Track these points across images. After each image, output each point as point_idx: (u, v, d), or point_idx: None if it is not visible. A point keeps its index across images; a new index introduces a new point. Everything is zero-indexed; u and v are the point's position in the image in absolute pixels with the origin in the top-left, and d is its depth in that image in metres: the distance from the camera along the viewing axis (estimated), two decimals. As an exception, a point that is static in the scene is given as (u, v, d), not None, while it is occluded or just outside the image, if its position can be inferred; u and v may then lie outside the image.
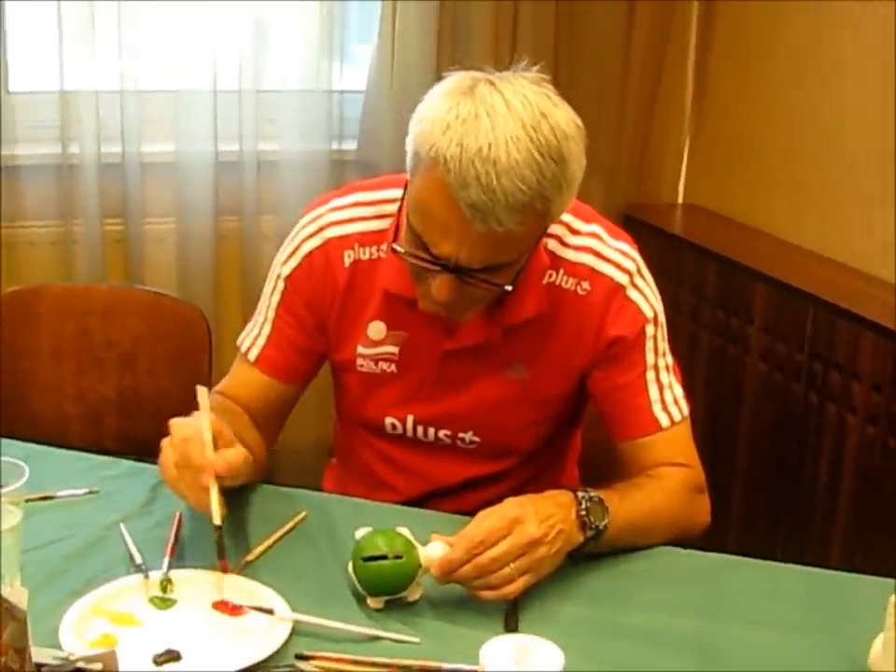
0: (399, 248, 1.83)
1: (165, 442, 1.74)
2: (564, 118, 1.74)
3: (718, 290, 3.55)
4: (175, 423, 1.75)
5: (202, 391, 1.80)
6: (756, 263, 3.42)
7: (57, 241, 3.71)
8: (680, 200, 4.28)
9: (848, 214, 3.44)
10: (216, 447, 1.72)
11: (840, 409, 3.07)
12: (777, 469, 3.31)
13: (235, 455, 1.74)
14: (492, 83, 1.74)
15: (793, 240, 3.64)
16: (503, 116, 1.69)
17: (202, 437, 1.71)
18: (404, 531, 1.70)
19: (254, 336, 2.08)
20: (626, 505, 1.83)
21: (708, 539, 1.97)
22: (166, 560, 1.75)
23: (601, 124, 3.96)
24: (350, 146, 3.91)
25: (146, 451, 2.16)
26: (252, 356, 2.07)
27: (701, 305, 3.59)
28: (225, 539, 1.83)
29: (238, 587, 1.70)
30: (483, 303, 1.90)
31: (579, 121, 1.77)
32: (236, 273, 3.87)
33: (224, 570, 1.70)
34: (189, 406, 2.56)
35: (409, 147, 1.79)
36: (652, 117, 4.18)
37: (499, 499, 1.73)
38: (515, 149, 1.67)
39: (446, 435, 2.06)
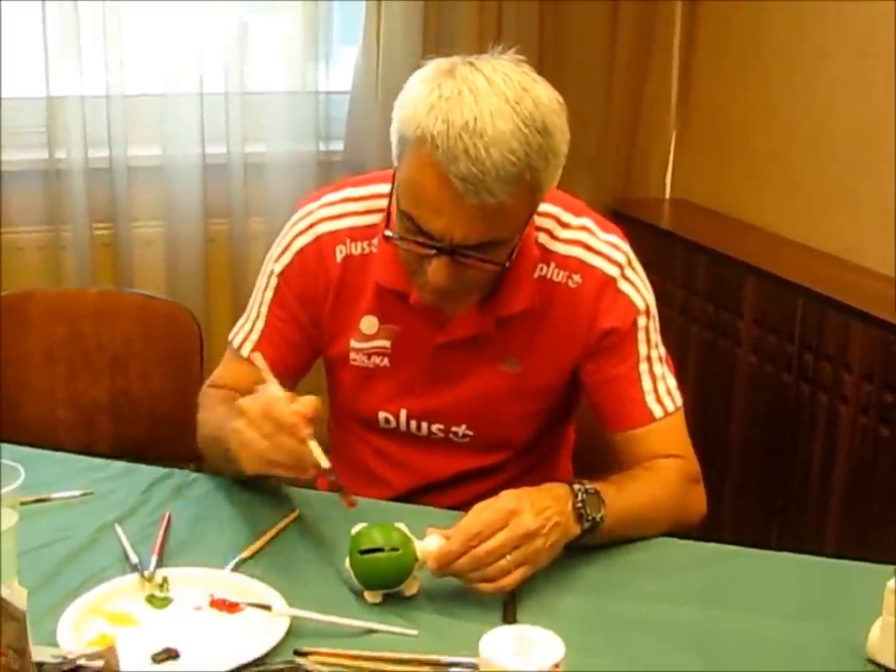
0: (391, 234, 1.83)
1: (240, 424, 1.72)
2: (545, 92, 1.76)
3: (708, 284, 3.55)
4: (244, 401, 1.73)
5: (257, 356, 1.83)
6: (746, 256, 3.43)
7: (45, 246, 3.71)
8: (668, 195, 4.28)
9: (836, 205, 3.45)
10: None
11: (832, 399, 3.07)
12: (769, 461, 3.32)
13: (310, 398, 1.73)
14: (471, 63, 1.75)
15: (782, 233, 3.65)
16: (485, 91, 1.70)
17: (279, 398, 1.71)
18: (401, 526, 1.69)
19: (246, 332, 2.08)
20: (622, 497, 1.83)
21: (702, 531, 1.97)
22: (153, 559, 1.75)
23: (587, 120, 3.96)
24: (337, 146, 3.91)
25: (139, 453, 2.17)
26: (245, 350, 2.07)
27: (691, 299, 3.60)
28: (217, 537, 1.86)
29: (234, 584, 1.70)
30: (479, 290, 1.90)
31: (559, 97, 1.78)
32: (225, 276, 3.87)
33: (350, 505, 1.71)
34: (181, 407, 2.58)
35: (394, 136, 1.80)
36: (639, 113, 4.19)
37: (493, 493, 1.73)
38: (501, 121, 1.69)
39: (439, 429, 2.06)
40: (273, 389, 1.74)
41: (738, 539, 1.92)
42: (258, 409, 1.70)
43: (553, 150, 1.75)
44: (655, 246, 3.54)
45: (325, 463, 1.71)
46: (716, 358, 3.50)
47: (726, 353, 3.46)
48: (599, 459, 2.23)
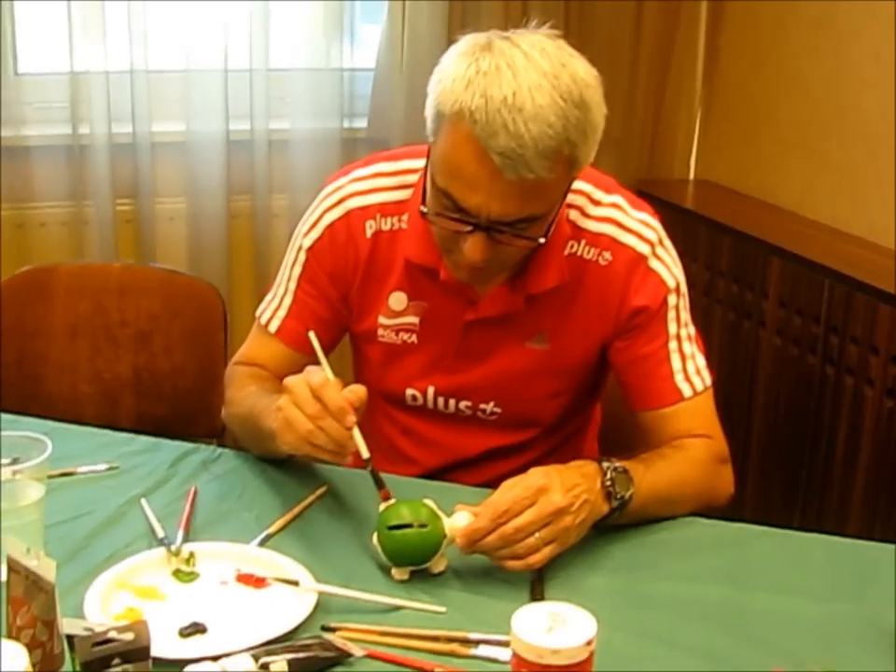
0: (426, 210, 1.82)
1: (285, 403, 1.70)
2: (582, 67, 1.74)
3: (732, 265, 3.53)
4: (292, 380, 1.71)
5: (312, 335, 1.81)
6: (771, 237, 3.41)
7: (68, 221, 3.70)
8: (692, 176, 4.26)
9: (865, 187, 3.42)
10: None
11: (857, 382, 3.05)
12: (793, 443, 3.30)
13: (358, 386, 1.72)
14: (508, 38, 1.74)
15: (809, 215, 3.63)
16: (523, 66, 1.68)
17: (331, 382, 1.69)
18: (429, 503, 1.69)
19: (274, 308, 2.07)
20: (651, 475, 1.82)
21: (723, 512, 1.95)
22: (180, 533, 1.75)
23: (612, 99, 3.89)
24: (361, 124, 3.90)
25: (162, 429, 2.16)
26: (273, 327, 2.06)
27: (715, 280, 3.58)
28: (244, 512, 1.85)
29: (261, 559, 1.69)
30: (512, 267, 1.90)
31: (596, 72, 1.76)
32: (248, 253, 3.86)
33: (385, 499, 1.70)
34: (205, 384, 2.58)
35: (429, 111, 1.78)
36: (664, 93, 4.16)
37: (519, 471, 1.71)
38: (539, 96, 1.67)
39: (467, 406, 2.05)
40: (324, 372, 1.73)
41: (760, 521, 1.91)
42: (307, 390, 1.68)
43: (590, 125, 1.73)
44: (679, 227, 3.48)
45: (365, 453, 1.71)
46: (739, 340, 3.48)
47: (750, 334, 3.45)
48: (625, 438, 2.23)
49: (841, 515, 3.10)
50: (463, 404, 2.05)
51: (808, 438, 3.23)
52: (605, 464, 1.76)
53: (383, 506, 1.70)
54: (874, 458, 3.02)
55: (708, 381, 2.00)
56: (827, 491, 3.18)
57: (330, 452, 1.69)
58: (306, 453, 1.72)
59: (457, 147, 1.72)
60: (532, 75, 1.68)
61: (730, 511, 1.97)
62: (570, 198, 1.93)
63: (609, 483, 1.74)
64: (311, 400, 1.66)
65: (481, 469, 2.08)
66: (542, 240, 1.81)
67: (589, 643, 1.28)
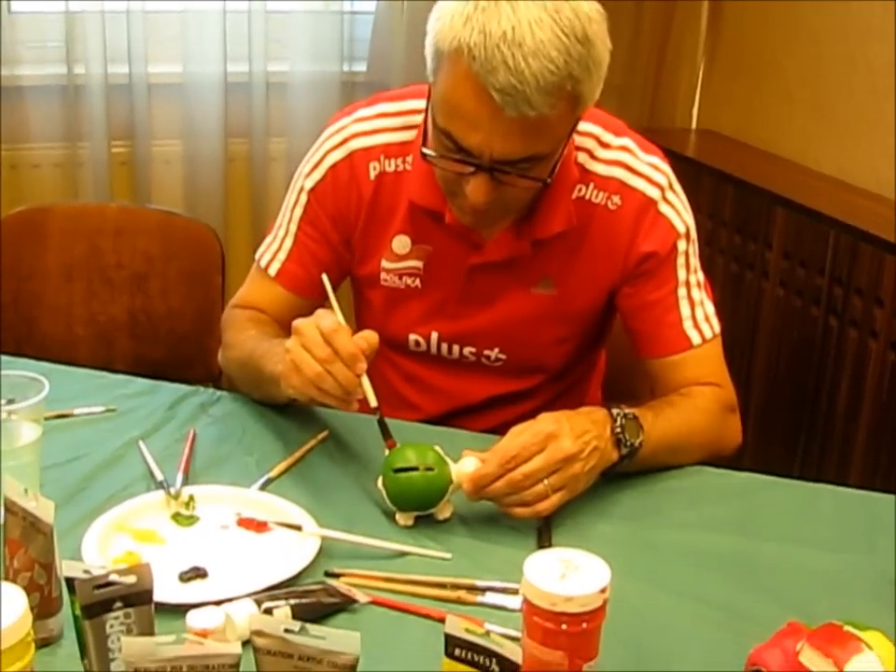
0: (428, 152, 1.78)
1: (294, 345, 1.65)
2: (584, 1, 1.68)
3: (735, 215, 3.49)
4: (302, 322, 1.66)
5: (325, 278, 1.77)
6: (775, 187, 3.37)
7: (62, 163, 3.66)
8: (694, 125, 4.22)
9: (871, 138, 3.38)
10: None
11: (861, 334, 3.03)
12: (794, 395, 3.28)
13: (370, 332, 1.68)
14: None
15: (813, 166, 3.59)
16: (523, 1, 1.63)
17: (343, 326, 1.65)
18: (436, 448, 1.66)
19: (274, 251, 2.03)
20: (660, 423, 1.79)
21: (723, 465, 1.92)
22: (179, 476, 1.72)
23: (614, 45, 3.82)
24: (360, 67, 3.85)
25: (158, 373, 2.13)
26: (273, 270, 2.02)
27: (718, 230, 3.54)
28: (244, 455, 1.83)
29: (262, 503, 1.67)
30: (517, 210, 1.86)
31: (599, 7, 1.70)
32: (245, 196, 3.82)
33: (391, 447, 1.68)
34: (202, 327, 2.55)
35: (429, 49, 1.73)
36: (667, 40, 4.11)
37: (523, 418, 1.68)
38: (540, 30, 1.61)
39: (471, 352, 2.02)
40: (336, 316, 1.69)
41: (759, 469, 1.89)
42: (317, 333, 1.63)
43: (594, 60, 1.68)
44: (681, 176, 3.44)
45: (373, 401, 1.68)
46: (742, 291, 3.45)
47: (753, 285, 3.42)
48: (629, 386, 2.21)
49: (842, 468, 3.09)
50: (467, 350, 2.02)
51: (810, 390, 3.21)
52: (614, 410, 1.73)
53: (389, 451, 1.67)
54: (876, 411, 3.00)
55: (717, 328, 1.97)
56: (828, 444, 3.16)
57: (337, 397, 1.65)
58: (312, 397, 1.68)
59: (456, 85, 1.67)
60: (532, 9, 1.62)
61: (729, 462, 1.94)
62: (579, 140, 1.89)
63: (618, 429, 1.71)
64: (321, 344, 1.62)
65: (484, 416, 2.05)
66: (549, 180, 1.76)
67: (603, 591, 1.25)
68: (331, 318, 1.66)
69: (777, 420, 3.35)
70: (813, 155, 3.60)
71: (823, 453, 3.17)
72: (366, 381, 1.66)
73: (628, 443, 1.72)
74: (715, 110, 4.13)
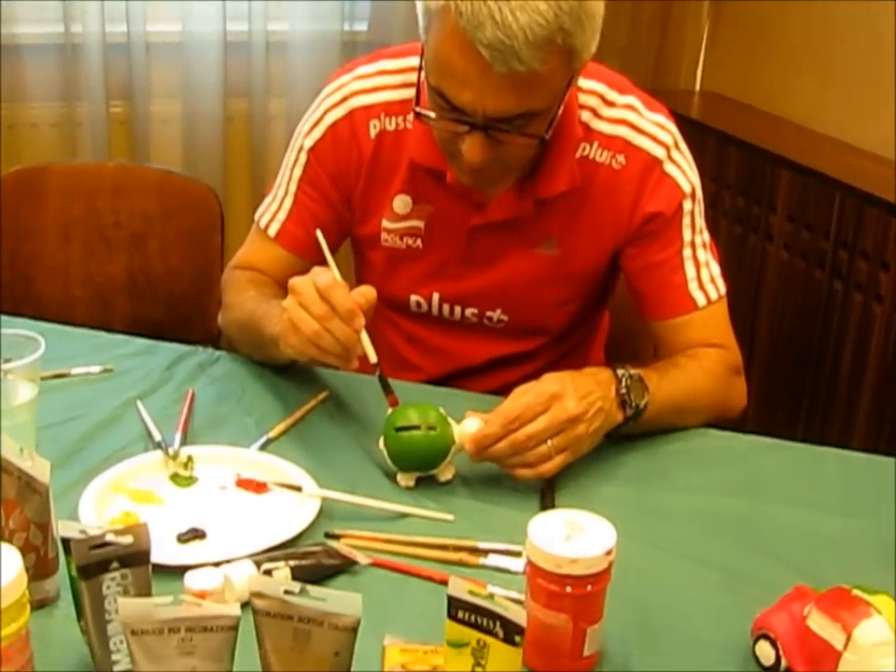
0: (423, 111, 1.74)
1: (291, 304, 1.63)
2: None
3: (739, 177, 3.47)
4: (298, 280, 1.64)
5: (319, 234, 1.75)
6: (780, 149, 3.35)
7: (60, 122, 3.65)
8: (698, 87, 4.19)
9: (876, 100, 3.35)
10: None
11: (866, 298, 3.01)
12: (798, 359, 3.27)
13: (367, 288, 1.65)
14: None
15: (818, 128, 3.56)
16: None
17: (339, 283, 1.62)
18: (440, 410, 1.64)
19: (273, 211, 2.01)
20: (666, 384, 1.77)
21: (726, 428, 1.90)
22: (177, 436, 1.70)
23: (618, 7, 3.85)
24: (361, 27, 3.83)
25: (156, 334, 2.11)
26: (272, 231, 1.99)
27: (721, 192, 3.51)
28: (243, 416, 1.81)
29: (262, 464, 1.65)
30: (517, 169, 1.83)
31: None
32: (245, 156, 3.81)
33: (394, 405, 1.66)
34: (201, 287, 2.53)
35: (419, 8, 1.69)
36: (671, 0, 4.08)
37: (525, 380, 1.66)
38: None
39: (473, 314, 2.00)
40: (333, 268, 1.66)
41: (762, 433, 1.87)
42: (314, 290, 1.61)
43: (586, 12, 1.63)
44: (685, 138, 3.45)
45: (374, 357, 1.66)
46: (746, 253, 3.43)
47: (756, 248, 3.39)
48: (632, 348, 2.19)
49: (845, 432, 3.07)
50: (469, 311, 2.00)
51: (813, 354, 3.19)
52: (620, 371, 1.71)
53: (391, 410, 1.65)
54: (881, 375, 2.98)
55: (723, 290, 1.95)
56: (831, 408, 3.15)
57: (336, 355, 1.63)
58: (311, 356, 1.66)
59: (445, 42, 1.64)
60: None
61: (732, 426, 1.92)
62: (582, 98, 1.87)
63: (624, 390, 1.69)
64: (318, 301, 1.60)
65: (486, 378, 2.04)
66: (546, 136, 1.72)
67: (608, 553, 1.24)
68: (328, 275, 1.63)
69: (780, 384, 3.34)
70: (818, 117, 3.57)
71: (826, 417, 3.16)
72: (365, 337, 1.63)
73: (633, 405, 1.70)
74: (719, 72, 4.10)
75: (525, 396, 1.60)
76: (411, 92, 1.88)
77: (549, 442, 1.59)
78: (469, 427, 1.60)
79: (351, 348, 1.62)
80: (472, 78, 1.63)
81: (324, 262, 1.81)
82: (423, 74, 1.74)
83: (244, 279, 2.01)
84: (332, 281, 1.61)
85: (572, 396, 1.60)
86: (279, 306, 1.69)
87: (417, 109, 1.75)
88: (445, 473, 1.64)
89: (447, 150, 1.79)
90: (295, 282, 1.64)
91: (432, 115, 1.73)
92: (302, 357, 1.68)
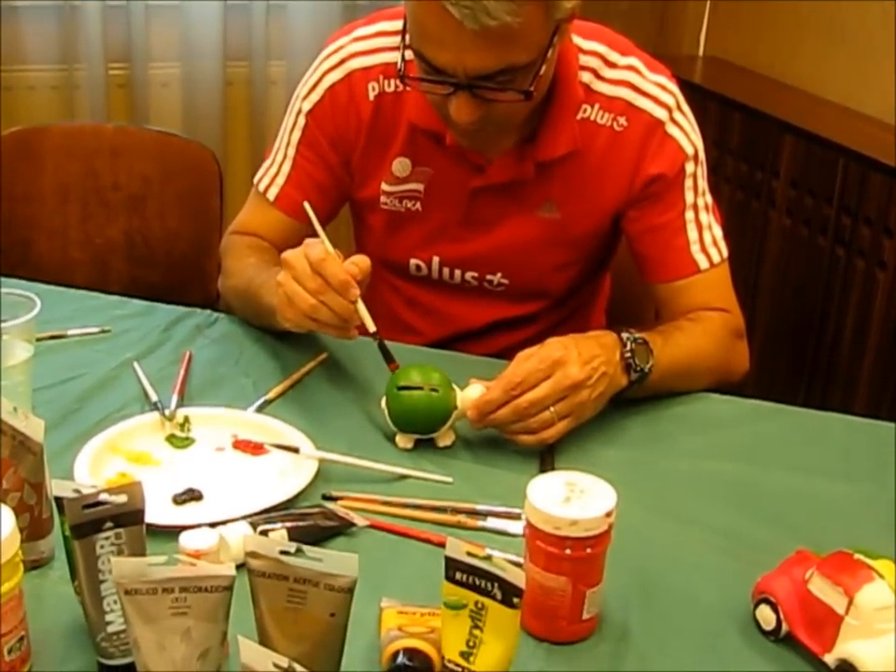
0: (403, 74, 1.73)
1: (286, 278, 1.62)
2: None
3: (742, 143, 3.44)
4: (290, 254, 1.63)
5: (307, 206, 1.72)
6: (783, 115, 3.32)
7: (58, 85, 3.63)
8: (702, 52, 4.15)
9: (881, 65, 3.32)
10: None
11: (868, 264, 2.99)
12: (799, 326, 3.25)
13: (361, 257, 1.64)
14: None
15: (822, 94, 3.53)
16: None
17: (331, 254, 1.61)
18: (443, 372, 1.62)
19: (272, 175, 1.99)
20: (670, 348, 1.75)
21: (727, 394, 1.89)
22: (174, 398, 1.69)
23: (622, -29, 3.85)
24: (365, -12, 3.79)
25: (154, 296, 2.10)
26: (271, 195, 1.98)
27: (724, 158, 3.49)
28: (241, 377, 1.80)
29: (259, 425, 1.64)
30: (514, 128, 1.81)
31: None
32: (244, 120, 3.79)
33: (394, 370, 1.65)
34: (199, 250, 2.52)
35: None
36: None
37: (526, 344, 1.64)
38: None
39: (473, 277, 1.98)
40: (323, 244, 1.64)
41: (762, 398, 1.86)
42: (306, 264, 1.60)
43: None
44: (687, 102, 3.44)
45: (371, 327, 1.65)
46: (748, 220, 3.40)
47: (759, 214, 3.37)
48: (633, 311, 2.18)
49: (847, 399, 3.06)
50: (469, 275, 1.98)
51: (816, 321, 3.18)
52: (624, 335, 1.69)
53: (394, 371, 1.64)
54: (883, 343, 2.96)
55: (725, 252, 1.94)
56: (833, 375, 3.13)
57: (334, 327, 1.62)
58: (309, 329, 1.66)
59: (419, 5, 1.63)
60: None
61: (732, 391, 1.91)
62: (583, 59, 1.85)
63: (628, 354, 1.68)
64: (311, 275, 1.59)
65: (486, 341, 2.03)
66: (532, 90, 1.68)
67: (609, 515, 1.23)
68: (319, 247, 1.61)
69: (781, 351, 3.32)
70: (822, 82, 3.54)
71: (828, 384, 3.14)
72: (361, 306, 1.62)
73: (638, 368, 1.68)
74: (723, 36, 4.06)
75: (527, 361, 1.59)
76: (410, 54, 1.86)
77: (552, 409, 1.57)
78: (471, 394, 1.59)
79: (348, 319, 1.61)
80: (448, 38, 1.61)
81: (323, 227, 1.80)
82: (408, 39, 1.72)
83: (243, 244, 1.99)
84: (324, 253, 1.60)
85: (576, 361, 1.59)
86: (276, 277, 1.67)
87: (401, 73, 1.74)
88: (444, 439, 1.63)
89: (441, 114, 1.77)
90: (288, 255, 1.63)
91: (415, 78, 1.72)
92: (300, 329, 1.68)
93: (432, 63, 1.65)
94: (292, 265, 1.61)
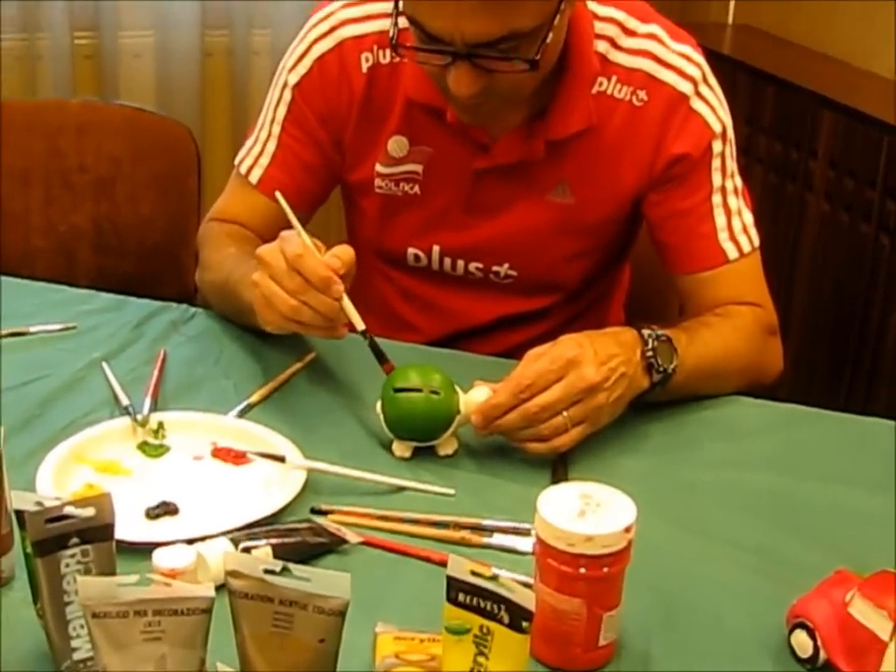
0: (396, 44, 1.73)
1: (261, 278, 1.62)
2: None
3: (776, 120, 3.46)
4: (265, 250, 1.63)
5: (279, 196, 1.72)
6: (821, 88, 3.34)
7: (20, 56, 3.63)
8: (731, 20, 4.17)
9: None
10: None
11: (916, 253, 3.01)
12: (840, 320, 3.27)
13: (343, 248, 1.64)
14: None
15: (863, 65, 3.55)
16: None
17: (308, 248, 1.60)
18: (445, 373, 1.63)
19: (255, 155, 2.00)
20: (696, 346, 1.76)
21: (760, 396, 1.90)
22: (147, 401, 1.70)
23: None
24: (355, -50, 3.80)
25: (125, 289, 2.11)
26: (254, 177, 1.99)
27: (756, 136, 3.51)
28: (221, 379, 1.82)
29: (241, 432, 1.65)
30: (520, 102, 1.82)
31: None
32: (224, 95, 3.81)
33: (390, 371, 1.65)
34: (175, 237, 2.52)
35: None
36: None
37: (536, 342, 1.65)
38: None
39: (478, 268, 1.99)
40: (299, 237, 1.64)
41: (800, 399, 1.87)
42: (283, 261, 1.59)
43: None
44: (715, 75, 3.45)
45: (360, 325, 1.65)
46: (783, 204, 3.42)
47: (794, 198, 3.39)
48: (656, 306, 2.19)
49: (892, 402, 3.06)
50: (473, 266, 1.99)
51: (858, 315, 3.19)
52: (645, 332, 1.70)
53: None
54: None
55: (756, 241, 1.95)
56: (876, 376, 3.15)
57: (319, 328, 1.63)
58: (292, 331, 1.67)
59: None
60: None
61: (766, 393, 1.92)
62: (599, 27, 1.86)
63: (650, 353, 1.68)
64: (289, 272, 1.59)
65: (492, 339, 2.04)
66: (537, 58, 1.68)
67: (628, 530, 1.23)
68: (296, 241, 1.61)
69: (820, 348, 3.34)
70: (863, 52, 3.55)
71: (871, 384, 3.16)
72: (347, 303, 1.62)
73: (661, 369, 1.69)
74: (754, 2, 4.07)
75: (538, 361, 1.59)
76: (405, 21, 1.87)
77: (564, 413, 1.58)
78: (476, 397, 1.59)
79: (334, 318, 1.62)
80: (443, 2, 1.62)
81: (312, 213, 1.80)
82: (400, 4, 1.73)
83: (222, 233, 2.00)
84: (301, 248, 1.60)
85: (591, 361, 1.59)
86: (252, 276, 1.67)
87: (394, 42, 1.74)
88: (446, 447, 1.63)
89: (441, 88, 1.77)
90: (262, 252, 1.63)
91: (410, 47, 1.72)
92: (284, 331, 1.68)
93: (427, 30, 1.66)
94: (268, 262, 1.61)
